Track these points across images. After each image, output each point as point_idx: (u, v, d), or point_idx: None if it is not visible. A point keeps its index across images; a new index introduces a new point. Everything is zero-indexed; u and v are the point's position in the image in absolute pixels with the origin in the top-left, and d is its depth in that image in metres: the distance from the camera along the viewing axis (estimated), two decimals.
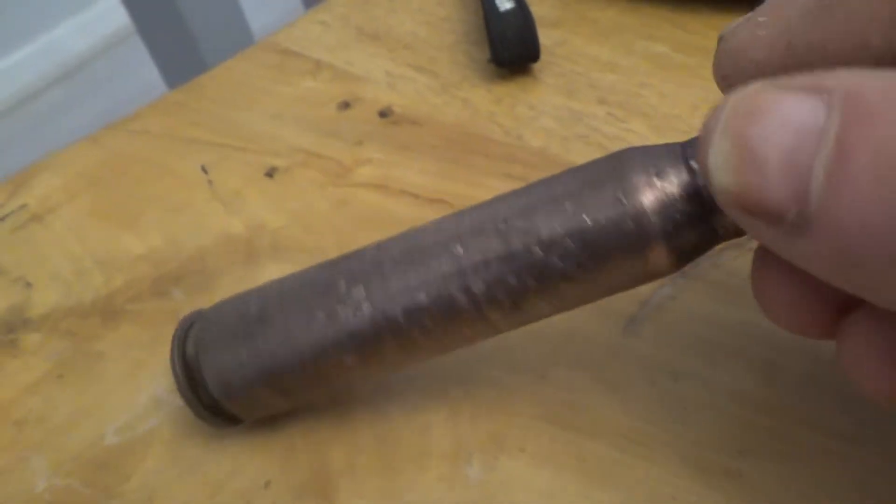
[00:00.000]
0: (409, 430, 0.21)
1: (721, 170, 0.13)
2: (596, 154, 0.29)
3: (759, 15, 0.16)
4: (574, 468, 0.20)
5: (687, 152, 0.17)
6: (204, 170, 0.30)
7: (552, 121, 0.31)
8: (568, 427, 0.21)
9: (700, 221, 0.16)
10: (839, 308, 0.16)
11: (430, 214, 0.27)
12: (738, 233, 0.16)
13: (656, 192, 0.16)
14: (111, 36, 1.72)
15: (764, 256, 0.17)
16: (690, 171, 0.16)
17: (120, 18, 1.59)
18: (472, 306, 0.18)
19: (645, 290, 0.24)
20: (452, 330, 0.18)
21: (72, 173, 0.31)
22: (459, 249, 0.18)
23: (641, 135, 0.30)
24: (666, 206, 0.16)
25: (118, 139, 0.32)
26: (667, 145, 0.17)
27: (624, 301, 0.23)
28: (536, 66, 0.34)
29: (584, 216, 0.17)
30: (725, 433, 0.20)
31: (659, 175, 0.16)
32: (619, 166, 0.17)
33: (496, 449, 0.21)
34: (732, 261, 0.24)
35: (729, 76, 0.16)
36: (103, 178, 0.31)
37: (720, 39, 0.17)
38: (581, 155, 0.29)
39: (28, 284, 0.27)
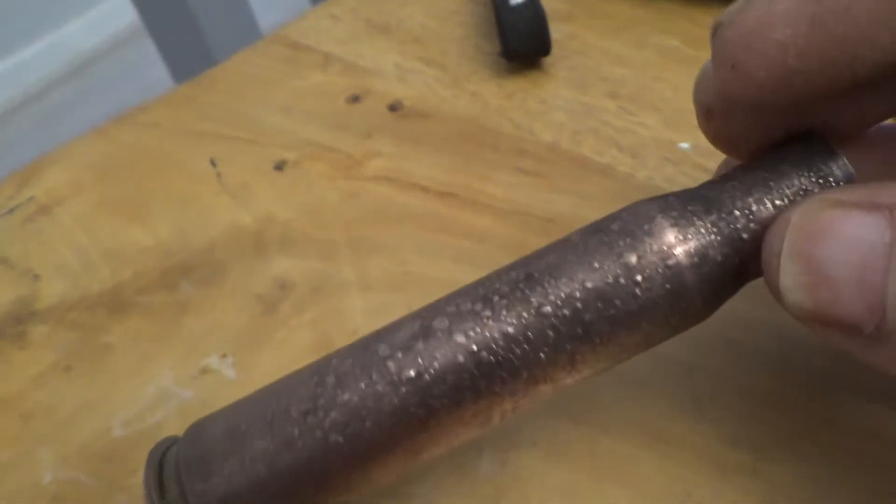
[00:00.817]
0: None
1: (793, 291, 0.14)
2: (607, 148, 0.29)
3: None
4: (587, 463, 0.20)
5: (711, 199, 0.16)
6: (213, 163, 0.30)
7: (563, 115, 0.31)
8: (580, 422, 0.21)
9: (732, 267, 0.16)
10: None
11: (440, 208, 0.27)
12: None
13: (688, 249, 0.16)
14: (119, 34, 1.72)
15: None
16: (715, 218, 0.16)
17: (127, 16, 1.59)
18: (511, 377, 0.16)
19: None
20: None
21: (80, 166, 0.31)
22: (488, 322, 0.16)
23: (653, 129, 0.29)
24: (700, 262, 0.16)
25: (127, 132, 0.32)
26: (683, 193, 0.16)
27: None
28: (547, 60, 0.33)
29: (622, 281, 0.16)
30: (740, 429, 0.20)
31: (688, 230, 0.16)
32: (644, 226, 0.16)
33: (507, 443, 0.20)
34: None
35: (742, 63, 0.15)
36: (111, 170, 0.31)
37: (718, 26, 0.15)
38: (592, 149, 0.29)
39: (35, 276, 0.27)
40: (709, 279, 0.16)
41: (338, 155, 0.30)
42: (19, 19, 1.63)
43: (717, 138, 0.18)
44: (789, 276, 0.14)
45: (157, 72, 1.00)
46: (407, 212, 0.27)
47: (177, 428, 0.22)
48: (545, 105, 0.31)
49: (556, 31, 0.34)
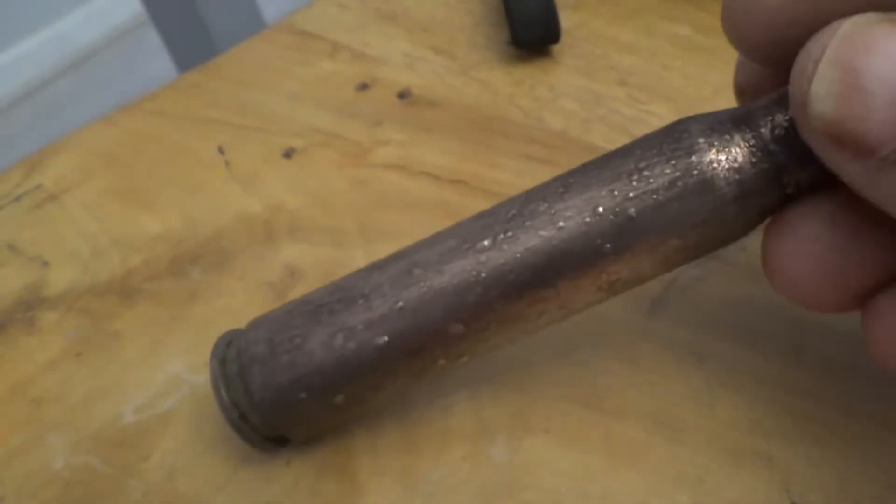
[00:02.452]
0: (431, 410, 0.21)
1: (822, 98, 0.14)
2: (617, 136, 0.29)
3: None
4: (600, 449, 0.20)
5: (748, 109, 0.16)
6: (221, 150, 0.30)
7: (572, 102, 0.31)
8: (593, 408, 0.21)
9: (770, 180, 0.16)
10: (862, 286, 0.16)
11: (449, 196, 0.27)
12: (810, 189, 0.16)
13: (724, 154, 0.16)
14: (121, 25, 1.72)
15: (778, 227, 0.17)
16: (755, 130, 0.16)
17: (130, 7, 1.59)
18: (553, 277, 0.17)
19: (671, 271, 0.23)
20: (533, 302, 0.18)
21: (87, 153, 0.31)
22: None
23: (663, 117, 0.29)
24: (735, 169, 0.16)
25: (134, 119, 0.32)
26: (727, 110, 0.17)
27: (649, 283, 0.23)
28: (556, 48, 0.33)
29: (648, 177, 0.16)
30: (754, 415, 0.20)
31: (725, 138, 0.16)
32: (680, 127, 0.17)
33: (520, 429, 0.20)
34: (759, 243, 0.24)
35: (739, 24, 0.16)
36: (119, 158, 0.30)
37: None
38: (602, 137, 0.29)
39: (45, 263, 0.27)
40: (743, 189, 0.16)
41: (346, 143, 0.30)
42: (21, 10, 1.62)
43: None
44: (823, 83, 0.14)
45: (160, 63, 1.00)
46: (416, 199, 0.27)
47: (189, 414, 0.22)
48: (554, 93, 0.31)
49: (566, 19, 0.34)
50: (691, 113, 0.30)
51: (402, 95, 0.32)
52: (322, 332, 0.18)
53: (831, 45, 0.14)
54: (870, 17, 0.14)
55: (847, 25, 0.14)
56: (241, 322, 0.24)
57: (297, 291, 0.25)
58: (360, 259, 0.25)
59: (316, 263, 0.25)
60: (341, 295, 0.18)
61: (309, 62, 0.34)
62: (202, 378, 0.22)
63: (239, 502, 0.20)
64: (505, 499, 0.19)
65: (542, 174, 0.27)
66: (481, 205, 0.27)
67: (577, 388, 0.21)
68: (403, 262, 0.18)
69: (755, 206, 0.16)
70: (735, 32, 0.16)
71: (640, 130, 0.29)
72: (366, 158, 0.29)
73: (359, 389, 0.18)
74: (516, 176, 0.28)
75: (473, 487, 0.19)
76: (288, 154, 0.30)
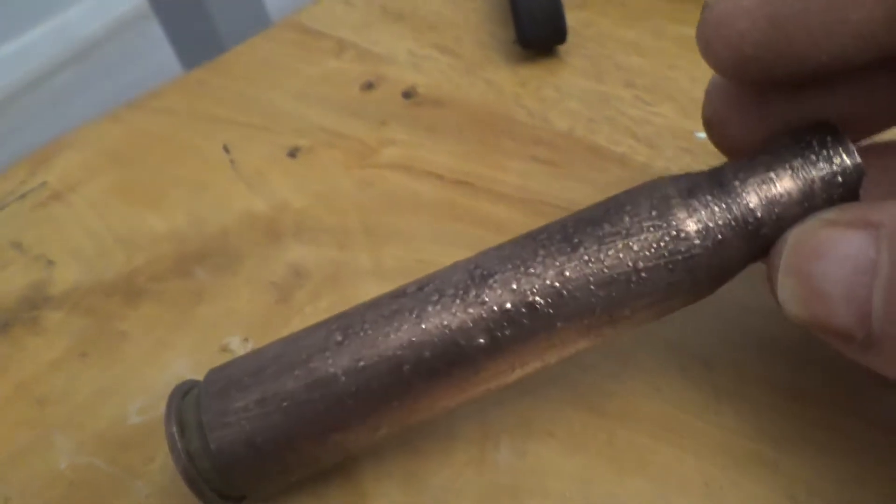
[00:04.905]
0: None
1: (790, 303, 0.16)
2: (623, 138, 0.28)
3: None
4: (605, 454, 0.20)
5: (726, 183, 0.17)
6: (226, 149, 0.30)
7: (578, 103, 0.30)
8: (598, 412, 0.21)
9: (743, 251, 0.17)
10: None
11: (454, 196, 0.27)
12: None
13: (702, 228, 0.17)
14: (124, 17, 1.72)
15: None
16: (725, 198, 0.17)
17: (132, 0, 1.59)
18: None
19: None
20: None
21: (93, 151, 0.31)
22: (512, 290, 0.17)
23: (669, 118, 0.29)
24: (714, 246, 0.17)
25: (139, 117, 0.32)
26: (703, 175, 0.17)
27: None
28: (562, 48, 0.33)
29: (639, 267, 0.17)
30: (760, 422, 0.20)
31: (698, 209, 0.17)
32: (671, 217, 0.17)
33: (525, 434, 0.20)
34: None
35: (711, 42, 0.16)
36: (125, 156, 0.30)
37: (705, 6, 0.17)
38: (608, 138, 0.29)
39: (49, 262, 0.27)
40: (717, 256, 0.17)
41: (352, 142, 0.30)
42: (23, 2, 1.62)
43: (718, 146, 0.20)
44: (786, 290, 0.15)
45: (163, 55, 0.99)
46: (421, 200, 0.27)
47: None
48: (560, 93, 0.31)
49: (572, 19, 0.34)
50: (697, 115, 0.30)
51: (408, 95, 0.32)
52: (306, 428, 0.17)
53: (784, 255, 0.15)
54: (813, 223, 0.15)
55: (793, 236, 0.16)
56: (243, 322, 0.24)
57: (303, 292, 0.24)
58: (364, 260, 0.25)
59: (320, 264, 0.25)
60: (322, 392, 0.17)
61: (315, 60, 0.34)
62: None
63: None
64: (509, 503, 0.19)
65: (547, 175, 0.27)
66: (486, 205, 0.27)
67: (581, 393, 0.21)
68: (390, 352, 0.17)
69: (728, 279, 0.18)
70: (708, 52, 0.17)
71: (647, 131, 0.29)
72: (371, 158, 0.29)
73: (330, 458, 0.18)
74: (521, 177, 0.28)
75: (477, 492, 0.19)
76: (293, 153, 0.30)
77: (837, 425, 0.19)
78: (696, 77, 0.31)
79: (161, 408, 0.22)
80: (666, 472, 0.19)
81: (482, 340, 0.17)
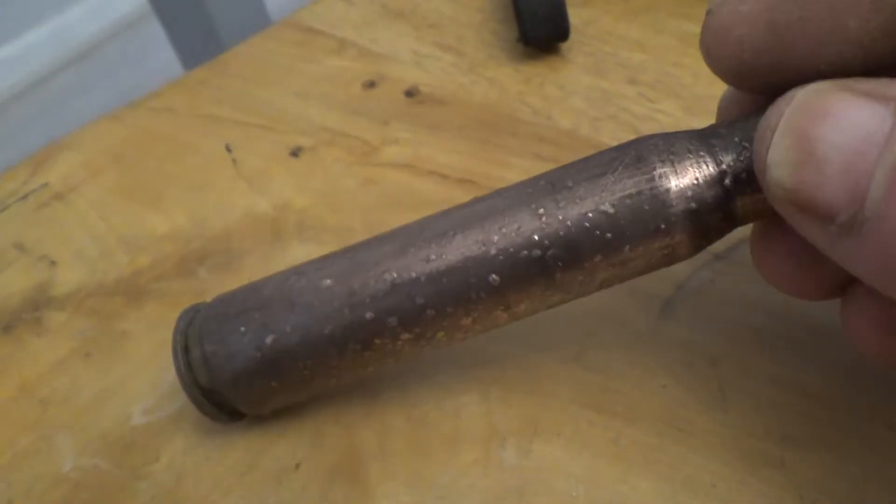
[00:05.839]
0: (441, 413, 0.21)
1: (779, 166, 0.14)
2: (627, 135, 0.28)
3: None
4: (611, 453, 0.20)
5: (707, 137, 0.17)
6: (228, 149, 0.30)
7: (582, 101, 0.30)
8: (604, 411, 0.20)
9: (720, 206, 0.16)
10: (838, 279, 0.17)
11: (458, 194, 0.27)
12: (756, 216, 0.17)
13: (679, 182, 0.16)
14: (124, 18, 1.72)
15: (763, 228, 0.18)
16: (712, 155, 0.16)
17: (133, 0, 1.58)
18: (494, 291, 0.18)
19: (682, 273, 0.23)
20: (471, 319, 0.18)
21: (94, 151, 0.31)
22: (486, 235, 0.18)
23: (673, 115, 0.29)
24: (688, 192, 0.16)
25: (141, 117, 0.32)
26: (686, 133, 0.17)
27: (660, 284, 0.23)
28: (565, 46, 0.33)
29: (608, 206, 0.17)
30: (766, 419, 0.20)
31: (681, 165, 0.16)
32: (641, 155, 0.17)
33: (531, 433, 0.20)
34: None
35: (711, 49, 0.16)
36: (126, 156, 0.30)
37: (707, 12, 0.17)
38: (612, 135, 0.29)
39: (52, 263, 0.27)
40: (695, 211, 0.16)
41: (354, 141, 0.30)
42: (23, 3, 1.62)
43: None
44: (779, 150, 0.14)
45: (164, 55, 0.99)
46: (424, 199, 0.27)
47: (198, 416, 0.21)
48: (563, 91, 0.31)
49: (575, 17, 0.33)
50: (701, 111, 0.30)
51: (410, 93, 0.32)
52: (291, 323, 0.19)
53: (787, 112, 0.14)
54: (826, 84, 0.14)
55: (802, 93, 0.14)
56: None
57: None
58: None
59: None
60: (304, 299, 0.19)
61: (316, 59, 0.34)
62: None
63: None
64: (515, 503, 0.19)
65: None
66: None
67: (587, 392, 0.21)
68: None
69: (703, 232, 0.17)
70: (710, 58, 0.17)
71: (650, 129, 0.28)
72: (374, 157, 0.29)
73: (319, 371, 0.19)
74: (524, 175, 0.27)
75: (483, 492, 0.19)
76: (295, 153, 0.30)
77: (845, 423, 0.19)
78: (700, 73, 0.31)
79: (165, 408, 0.22)
80: (673, 471, 0.19)
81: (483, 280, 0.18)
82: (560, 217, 0.17)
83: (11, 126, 1.51)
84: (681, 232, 0.17)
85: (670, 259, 0.17)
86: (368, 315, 0.18)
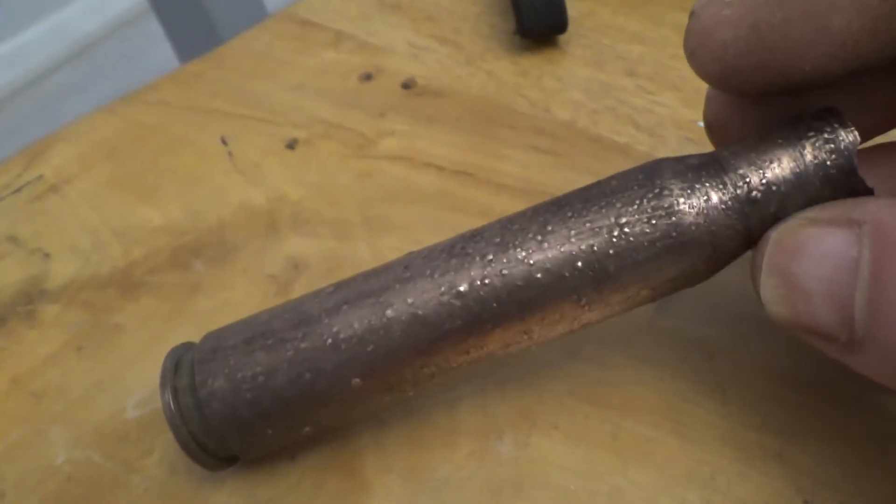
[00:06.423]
0: (437, 406, 0.21)
1: (773, 303, 0.15)
2: (625, 128, 0.28)
3: None
4: (609, 446, 0.19)
5: (723, 161, 0.17)
6: (223, 141, 0.30)
7: (580, 93, 0.30)
8: (601, 404, 0.20)
9: (739, 231, 0.16)
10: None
11: (454, 187, 0.27)
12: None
13: (702, 218, 0.16)
14: (123, 15, 1.71)
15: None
16: (727, 179, 0.16)
17: None
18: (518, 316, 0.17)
19: None
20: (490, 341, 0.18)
21: (88, 144, 0.30)
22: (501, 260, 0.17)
23: (671, 107, 0.29)
24: (713, 232, 0.16)
25: (135, 110, 0.32)
26: (701, 155, 0.17)
27: None
28: (563, 38, 0.33)
29: (629, 235, 0.17)
30: (765, 412, 0.20)
31: (703, 199, 0.16)
32: (658, 180, 0.17)
33: (527, 426, 0.20)
34: None
35: (696, 52, 0.17)
36: (121, 148, 0.30)
37: (691, 14, 0.17)
38: (610, 128, 0.28)
39: (46, 255, 0.26)
40: (716, 250, 0.16)
41: (350, 134, 0.30)
42: (22, 0, 1.61)
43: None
44: (768, 289, 0.15)
45: (162, 53, 0.99)
46: (421, 191, 0.27)
47: None
48: (561, 83, 0.31)
49: (573, 8, 0.33)
50: (700, 104, 0.29)
51: (407, 86, 0.31)
52: (289, 371, 0.17)
53: (767, 253, 0.15)
54: (794, 221, 0.15)
55: (776, 234, 0.15)
56: (241, 315, 0.24)
57: (301, 284, 0.24)
58: (363, 252, 0.25)
59: (319, 256, 0.25)
60: (305, 331, 0.18)
61: (312, 52, 0.34)
62: None
63: (242, 499, 0.19)
64: (512, 496, 0.19)
65: (548, 165, 0.27)
66: (486, 196, 0.26)
67: (584, 385, 0.21)
68: (373, 299, 0.17)
69: (725, 260, 0.17)
70: (694, 61, 0.17)
71: (649, 121, 0.28)
72: (370, 150, 0.29)
73: (326, 419, 0.18)
74: (522, 167, 0.27)
75: (480, 484, 0.19)
76: (291, 145, 0.29)
77: (842, 415, 0.19)
78: None
79: (158, 401, 0.22)
80: (670, 463, 0.19)
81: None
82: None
83: (9, 123, 1.51)
84: (700, 258, 0.17)
85: (688, 283, 0.17)
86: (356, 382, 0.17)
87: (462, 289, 0.17)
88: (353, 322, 0.17)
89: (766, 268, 0.15)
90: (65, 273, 0.26)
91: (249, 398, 0.17)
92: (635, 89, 0.30)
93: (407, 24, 0.35)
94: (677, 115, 0.28)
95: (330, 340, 0.17)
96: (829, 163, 0.16)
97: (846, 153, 0.16)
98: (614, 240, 0.16)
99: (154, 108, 0.32)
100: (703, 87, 0.30)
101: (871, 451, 0.18)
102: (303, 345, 0.17)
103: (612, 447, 0.19)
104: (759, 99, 0.18)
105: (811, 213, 0.15)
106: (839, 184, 0.16)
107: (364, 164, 0.28)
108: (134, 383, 0.22)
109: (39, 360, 0.23)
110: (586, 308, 0.17)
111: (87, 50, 1.69)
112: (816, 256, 0.14)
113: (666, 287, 0.17)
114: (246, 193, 0.28)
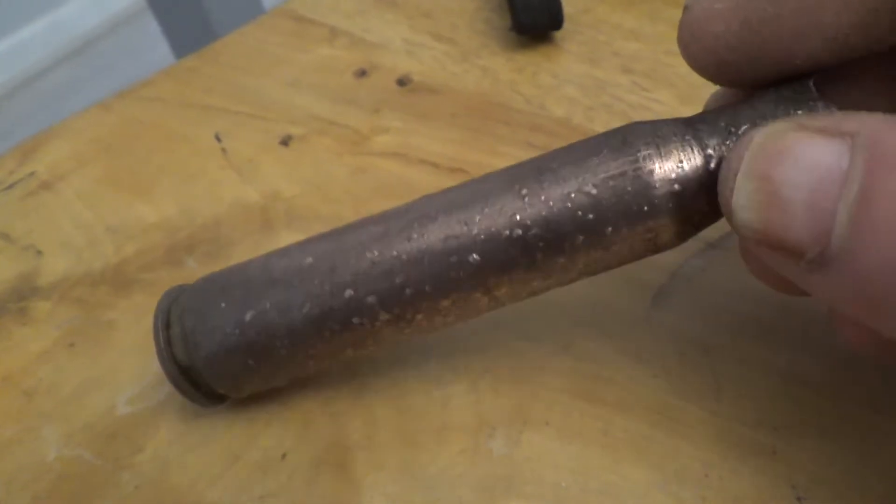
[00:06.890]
0: (429, 403, 0.21)
1: (745, 209, 0.14)
2: (621, 123, 0.28)
3: None
4: (601, 443, 0.19)
5: (694, 123, 0.17)
6: (218, 138, 0.30)
7: (575, 90, 0.30)
8: (594, 401, 0.20)
9: (705, 191, 0.16)
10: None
11: (449, 183, 0.27)
12: None
13: (663, 164, 0.16)
14: (120, 13, 1.71)
15: None
16: (697, 140, 0.16)
17: None
18: (474, 271, 0.17)
19: (674, 261, 0.23)
20: (451, 301, 0.18)
21: (82, 140, 0.30)
22: (468, 214, 0.18)
23: (668, 105, 0.29)
24: (671, 175, 0.16)
25: (130, 106, 0.32)
26: (673, 119, 0.17)
27: (652, 272, 0.23)
28: (559, 35, 0.33)
29: (591, 187, 0.17)
30: (759, 409, 0.19)
31: (665, 148, 0.16)
32: (626, 139, 0.17)
33: (520, 422, 0.20)
34: None
35: (689, 45, 0.17)
36: (115, 145, 0.30)
37: (684, 9, 0.17)
38: (606, 124, 0.28)
39: (38, 252, 0.26)
40: (679, 197, 0.16)
41: (345, 130, 0.29)
42: None
43: None
44: (743, 194, 0.14)
45: (159, 51, 0.99)
46: (416, 188, 0.27)
47: (183, 406, 0.21)
48: (557, 80, 0.31)
49: (568, 5, 0.33)
50: (696, 100, 0.29)
51: (402, 82, 0.31)
52: (279, 305, 0.18)
53: (747, 156, 0.14)
54: (782, 125, 0.14)
55: (759, 136, 0.14)
56: None
57: None
58: None
59: None
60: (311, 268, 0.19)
61: (307, 48, 0.34)
62: None
63: (233, 496, 0.19)
64: (504, 493, 0.19)
65: None
66: None
67: (578, 381, 0.21)
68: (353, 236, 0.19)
69: (688, 220, 0.17)
70: (687, 54, 0.17)
71: (644, 117, 0.28)
72: (364, 146, 0.29)
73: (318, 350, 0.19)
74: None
75: (472, 481, 0.19)
76: (285, 141, 0.29)
77: (837, 411, 0.19)
78: None
79: (150, 398, 0.22)
80: (664, 460, 0.19)
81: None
82: (542, 198, 0.17)
83: (7, 121, 1.51)
84: (664, 215, 0.16)
85: (655, 245, 0.17)
86: (347, 293, 0.18)
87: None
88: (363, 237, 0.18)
89: (743, 170, 0.14)
90: (57, 270, 0.26)
91: (238, 333, 0.18)
92: (631, 86, 0.30)
93: (402, 21, 0.34)
94: (673, 112, 0.28)
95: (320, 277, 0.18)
96: (785, 93, 0.16)
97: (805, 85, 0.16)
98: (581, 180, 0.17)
99: (149, 104, 0.32)
100: (699, 83, 0.29)
101: (865, 447, 0.18)
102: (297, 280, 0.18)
103: (606, 444, 0.19)
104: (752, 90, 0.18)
105: (801, 119, 0.15)
106: (795, 103, 0.16)
107: (359, 160, 0.28)
108: (126, 380, 0.22)
109: (31, 357, 0.23)
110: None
111: (85, 48, 1.69)
112: (802, 164, 0.13)
113: (631, 239, 0.17)
114: (240, 190, 0.28)
